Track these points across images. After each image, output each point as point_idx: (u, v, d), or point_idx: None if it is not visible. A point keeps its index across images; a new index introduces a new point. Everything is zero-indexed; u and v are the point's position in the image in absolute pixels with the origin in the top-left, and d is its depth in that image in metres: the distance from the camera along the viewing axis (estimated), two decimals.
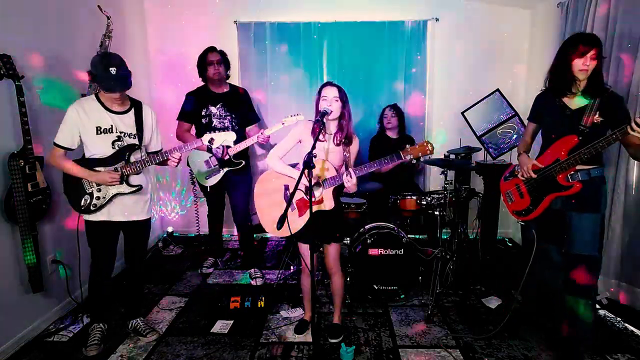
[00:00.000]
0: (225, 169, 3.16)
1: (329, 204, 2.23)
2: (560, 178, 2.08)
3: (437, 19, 3.95)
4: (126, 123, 2.33)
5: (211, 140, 2.43)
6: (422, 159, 2.15)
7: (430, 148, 2.06)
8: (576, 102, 2.07)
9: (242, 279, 3.36)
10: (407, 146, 2.10)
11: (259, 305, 2.83)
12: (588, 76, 2.00)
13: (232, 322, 2.70)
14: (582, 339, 2.17)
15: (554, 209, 2.17)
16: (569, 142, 2.04)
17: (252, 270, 3.35)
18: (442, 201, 3.14)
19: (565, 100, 2.10)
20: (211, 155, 3.10)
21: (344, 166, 2.31)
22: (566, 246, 2.12)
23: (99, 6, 2.93)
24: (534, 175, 2.17)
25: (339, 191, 2.31)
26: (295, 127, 2.36)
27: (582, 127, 2.00)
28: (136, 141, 2.35)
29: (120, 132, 2.30)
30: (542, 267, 2.33)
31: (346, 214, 3.12)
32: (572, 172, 2.06)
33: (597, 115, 1.98)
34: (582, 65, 1.97)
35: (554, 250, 2.26)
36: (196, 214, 4.11)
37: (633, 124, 1.76)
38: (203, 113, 3.17)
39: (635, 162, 2.66)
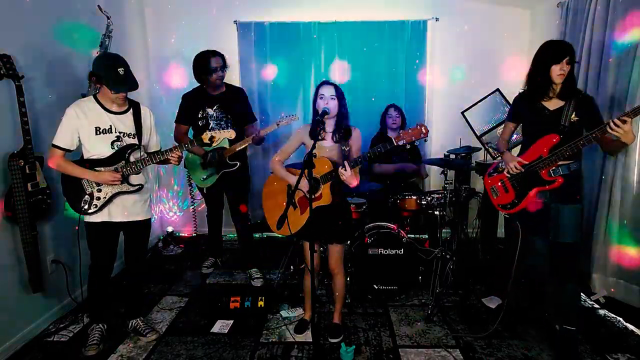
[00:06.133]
0: (221, 171, 3.15)
1: (326, 199, 2.26)
2: (543, 173, 2.24)
3: (437, 19, 3.95)
4: (125, 123, 2.33)
5: (212, 139, 2.44)
6: (417, 142, 2.13)
7: (424, 131, 2.03)
8: (553, 103, 2.23)
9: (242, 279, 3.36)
10: (401, 131, 2.08)
11: (259, 305, 2.83)
12: (565, 79, 2.15)
13: (232, 322, 2.70)
14: (574, 322, 2.26)
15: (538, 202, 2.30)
16: (550, 140, 2.19)
17: (253, 270, 3.34)
18: (442, 201, 3.14)
19: (544, 102, 2.25)
20: (206, 156, 3.09)
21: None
22: (551, 236, 2.26)
23: (99, 6, 2.93)
24: (522, 170, 2.30)
25: (340, 187, 2.31)
26: (297, 131, 2.41)
27: (562, 126, 2.15)
28: (135, 141, 2.35)
29: (120, 133, 2.30)
30: (528, 258, 2.43)
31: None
32: (554, 168, 2.20)
33: (573, 115, 2.15)
34: (560, 71, 2.12)
35: (539, 241, 2.37)
36: (193, 214, 4.11)
37: (612, 124, 1.91)
38: (200, 115, 3.16)
39: (636, 161, 2.71)
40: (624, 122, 1.88)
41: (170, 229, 4.33)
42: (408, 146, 2.15)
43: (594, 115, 2.14)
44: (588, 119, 2.13)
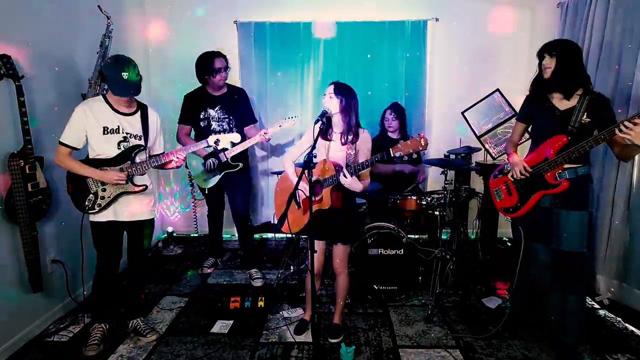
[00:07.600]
0: (223, 172, 3.14)
1: (326, 203, 2.24)
2: (548, 176, 2.16)
3: (437, 19, 3.95)
4: (132, 124, 2.35)
5: (217, 142, 2.48)
6: (414, 155, 2.08)
7: (423, 144, 1.97)
8: (565, 103, 2.14)
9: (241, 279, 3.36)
10: (399, 143, 2.04)
11: (259, 305, 2.83)
12: (552, 73, 2.11)
13: (232, 322, 2.70)
14: (573, 336, 2.21)
15: (542, 207, 2.23)
16: (558, 141, 2.11)
17: (253, 270, 3.34)
18: (442, 201, 3.14)
19: (555, 102, 2.18)
20: (209, 157, 3.09)
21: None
22: (555, 243, 2.18)
23: (99, 6, 2.93)
24: (527, 175, 2.23)
25: (345, 193, 2.29)
26: (310, 130, 2.37)
27: (570, 127, 2.08)
28: (142, 142, 2.37)
29: (127, 133, 2.32)
30: (530, 265, 2.37)
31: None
32: (559, 171, 2.13)
33: (585, 116, 2.06)
34: (545, 67, 2.13)
35: (542, 248, 2.30)
36: (194, 215, 4.11)
37: (621, 126, 1.85)
38: (201, 116, 3.16)
39: (637, 163, 2.70)
40: (635, 124, 1.82)
41: (170, 229, 4.34)
42: (405, 158, 2.07)
43: (607, 117, 2.03)
44: (600, 121, 2.03)
